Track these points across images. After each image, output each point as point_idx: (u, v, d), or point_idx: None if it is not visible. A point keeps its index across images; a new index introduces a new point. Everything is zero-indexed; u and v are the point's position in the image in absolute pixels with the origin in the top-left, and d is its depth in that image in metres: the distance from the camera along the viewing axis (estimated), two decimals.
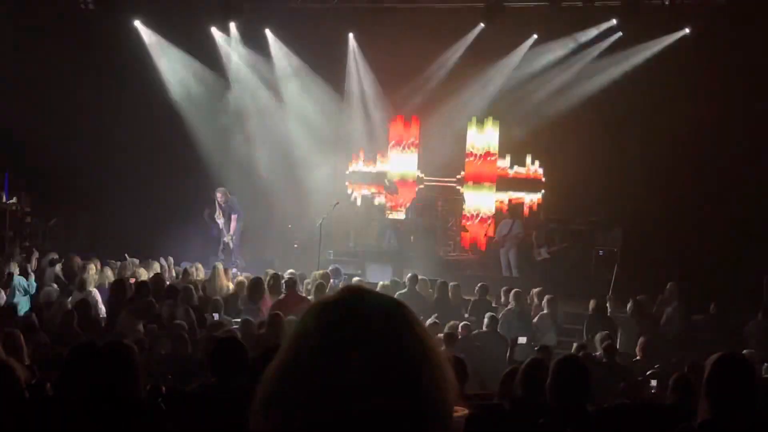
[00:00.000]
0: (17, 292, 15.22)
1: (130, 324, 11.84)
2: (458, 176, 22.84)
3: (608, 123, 20.98)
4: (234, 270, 18.72)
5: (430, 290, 16.33)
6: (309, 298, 14.10)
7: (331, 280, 15.94)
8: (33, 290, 15.61)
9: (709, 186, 19.67)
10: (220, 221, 20.79)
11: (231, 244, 20.78)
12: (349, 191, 23.05)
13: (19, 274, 15.89)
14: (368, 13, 22.15)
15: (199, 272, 17.34)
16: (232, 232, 20.74)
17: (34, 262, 17.87)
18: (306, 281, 16.25)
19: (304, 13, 22.29)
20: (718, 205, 19.53)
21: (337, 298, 1.86)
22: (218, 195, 20.88)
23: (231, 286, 16.31)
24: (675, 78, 20.25)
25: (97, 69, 22.13)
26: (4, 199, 22.15)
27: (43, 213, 23.04)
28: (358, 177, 23.32)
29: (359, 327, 1.78)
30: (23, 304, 14.65)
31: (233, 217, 20.76)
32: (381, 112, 23.36)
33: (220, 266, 17.12)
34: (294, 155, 23.16)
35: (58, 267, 17.43)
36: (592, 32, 21.48)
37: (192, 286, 14.61)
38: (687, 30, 20.58)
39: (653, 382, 10.12)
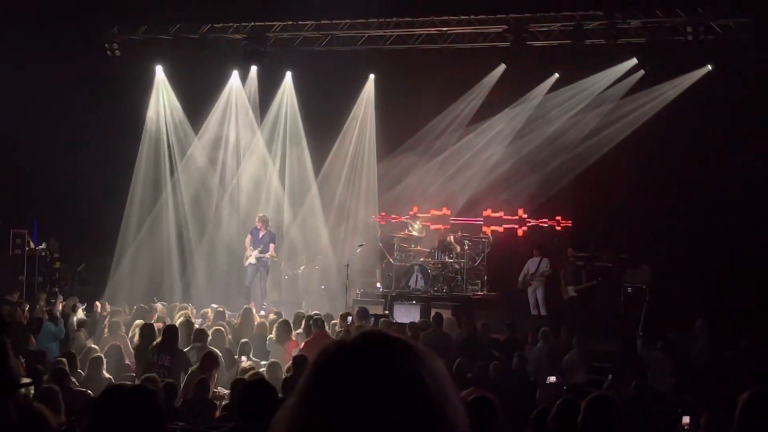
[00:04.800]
0: (46, 337, 15.27)
1: (211, 368, 11.80)
2: (483, 216, 22.91)
3: (634, 160, 20.91)
4: (261, 312, 18.76)
5: (458, 330, 16.27)
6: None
7: (358, 320, 15.95)
8: (62, 335, 15.67)
9: (737, 222, 19.53)
10: (253, 253, 20.68)
11: (261, 279, 20.78)
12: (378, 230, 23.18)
13: (48, 320, 15.96)
14: (390, 55, 22.31)
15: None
16: (268, 253, 20.65)
17: (59, 307, 17.97)
18: (333, 322, 16.25)
19: (327, 56, 22.45)
20: (747, 241, 19.38)
21: (348, 343, 1.84)
22: (257, 221, 20.92)
23: (257, 322, 16.35)
24: (700, 114, 20.20)
25: (125, 115, 22.43)
26: (32, 245, 22.32)
27: (71, 258, 23.19)
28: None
29: (368, 372, 1.76)
30: (53, 350, 14.70)
31: (271, 245, 20.76)
32: (399, 156, 23.37)
33: (252, 309, 17.18)
34: (317, 199, 23.34)
35: (81, 311, 17.51)
36: (615, 70, 21.47)
37: (223, 329, 14.67)
38: (710, 67, 20.55)
39: (685, 420, 10.01)
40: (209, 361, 11.62)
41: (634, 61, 21.07)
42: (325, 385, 1.77)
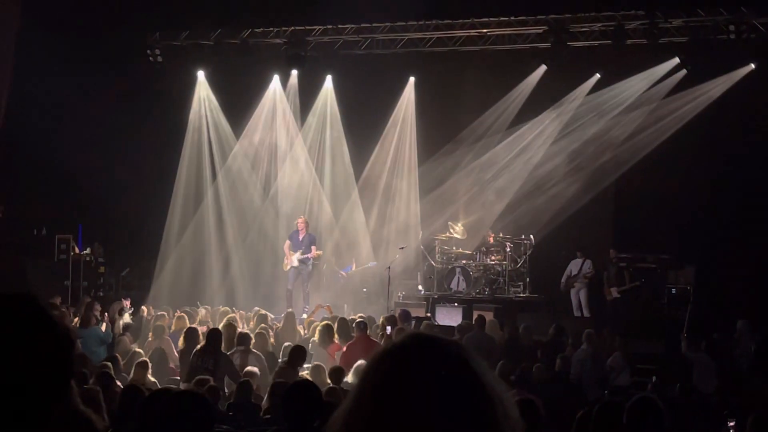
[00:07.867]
0: (94, 341, 15.40)
1: (299, 361, 12.06)
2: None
3: (677, 160, 20.74)
4: (303, 315, 18.81)
5: (500, 332, 16.23)
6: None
7: (400, 323, 15.94)
8: (110, 340, 15.81)
9: None
10: (293, 256, 20.73)
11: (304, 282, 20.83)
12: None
13: (96, 324, 16.11)
14: (430, 57, 22.33)
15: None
16: (311, 254, 20.68)
17: (106, 311, 18.11)
18: (375, 325, 16.25)
19: (367, 59, 22.51)
20: None
21: (399, 344, 1.87)
22: (299, 223, 20.98)
23: (302, 332, 16.41)
24: (743, 113, 20.03)
25: (167, 120, 22.64)
26: (77, 250, 22.55)
27: (116, 263, 23.39)
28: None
29: (420, 372, 1.79)
30: (100, 354, 14.82)
31: (313, 247, 20.80)
32: (440, 157, 23.34)
33: (293, 313, 17.23)
34: (358, 202, 23.38)
35: (128, 315, 17.65)
36: (656, 70, 21.31)
37: (265, 332, 14.73)
38: (753, 65, 20.34)
39: (731, 423, 9.92)
40: (298, 353, 11.98)
41: (676, 60, 20.88)
42: (387, 387, 1.79)
